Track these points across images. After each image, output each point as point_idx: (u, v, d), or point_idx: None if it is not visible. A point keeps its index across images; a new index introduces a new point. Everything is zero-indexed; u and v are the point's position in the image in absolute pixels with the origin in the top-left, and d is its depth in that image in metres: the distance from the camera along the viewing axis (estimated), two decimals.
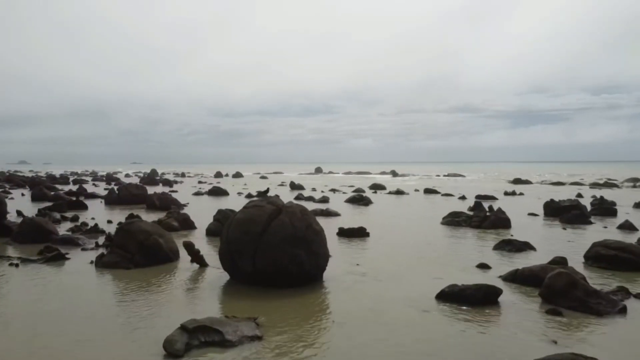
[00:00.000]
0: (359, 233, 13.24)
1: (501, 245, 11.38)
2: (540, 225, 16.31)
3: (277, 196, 10.11)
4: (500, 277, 8.69)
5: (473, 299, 6.96)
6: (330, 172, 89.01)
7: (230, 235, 7.98)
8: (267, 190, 9.94)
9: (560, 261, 9.15)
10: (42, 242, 11.87)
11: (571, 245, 12.22)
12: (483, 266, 9.51)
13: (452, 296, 7.12)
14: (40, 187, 27.20)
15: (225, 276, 8.57)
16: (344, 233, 13.33)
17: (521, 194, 30.29)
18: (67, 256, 10.37)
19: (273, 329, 6.04)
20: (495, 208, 19.89)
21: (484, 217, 15.15)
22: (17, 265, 9.59)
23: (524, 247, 11.24)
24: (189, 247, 9.29)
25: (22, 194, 29.09)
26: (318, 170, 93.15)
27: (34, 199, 25.61)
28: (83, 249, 11.31)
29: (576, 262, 9.73)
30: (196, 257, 9.36)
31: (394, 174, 72.60)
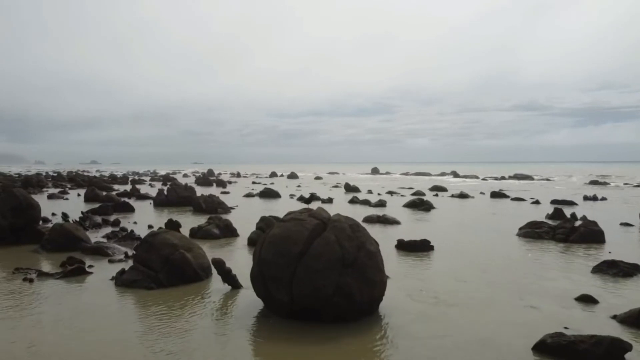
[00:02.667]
0: (422, 247, 11.34)
1: (602, 268, 9.13)
2: None
3: (323, 205, 8.42)
4: (614, 317, 6.58)
5: (590, 356, 4.98)
6: (387, 173, 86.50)
7: (263, 256, 6.40)
8: (311, 198, 8.27)
9: None
10: (71, 250, 10.94)
11: None
12: (586, 299, 7.37)
13: (557, 350, 5.17)
14: (92, 187, 27.06)
15: (260, 302, 7.01)
16: (404, 246, 11.48)
17: (604, 198, 26.96)
18: (89, 270, 9.24)
19: None
20: (578, 216, 17.38)
21: (571, 229, 12.77)
22: (31, 280, 8.50)
23: (633, 270, 8.95)
24: (219, 266, 7.81)
25: (78, 194, 29.18)
26: (375, 171, 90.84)
27: (87, 199, 25.47)
28: (110, 261, 10.16)
29: None
30: (227, 277, 7.88)
31: (455, 174, 69.09)
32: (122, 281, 8.14)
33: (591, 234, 12.49)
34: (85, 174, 70.36)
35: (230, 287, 7.98)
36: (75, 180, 43.54)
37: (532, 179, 58.67)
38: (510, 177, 59.93)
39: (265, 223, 12.43)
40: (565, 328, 6.04)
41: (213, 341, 5.79)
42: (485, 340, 5.74)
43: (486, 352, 5.39)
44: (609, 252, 11.16)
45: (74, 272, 8.88)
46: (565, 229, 12.83)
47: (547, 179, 57.48)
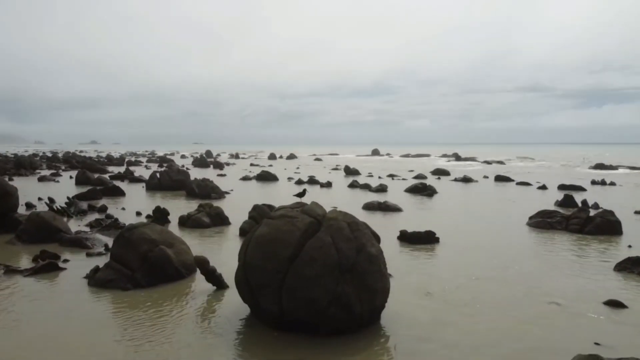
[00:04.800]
0: (427, 239, 10.51)
1: (626, 265, 8.30)
2: None
3: (321, 190, 7.57)
4: None
5: None
6: (387, 155, 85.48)
7: (249, 260, 5.56)
8: (304, 192, 7.41)
9: None
10: (48, 241, 10.15)
11: None
12: (614, 304, 6.56)
13: None
14: (84, 170, 26.19)
15: (247, 307, 6.21)
16: (407, 238, 10.65)
17: (612, 183, 26.07)
18: (63, 265, 8.42)
19: None
20: (589, 202, 16.54)
21: (586, 219, 11.93)
22: None
23: None
24: (202, 265, 6.98)
25: (70, 177, 28.32)
26: (375, 152, 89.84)
27: (78, 182, 24.65)
28: (88, 254, 9.34)
29: None
30: (212, 276, 7.06)
31: (457, 157, 68.07)
32: (95, 280, 7.33)
33: (607, 225, 11.65)
34: (83, 155, 69.42)
35: (215, 287, 7.17)
36: (70, 161, 42.63)
37: (536, 161, 57.68)
38: (513, 160, 58.88)
39: (258, 212, 11.59)
40: (597, 344, 5.25)
41: (187, 357, 4.98)
42: (505, 354, 4.94)
43: None
44: (629, 247, 10.33)
45: (46, 268, 8.07)
46: (579, 219, 11.98)
47: (551, 162, 56.53)
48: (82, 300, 6.78)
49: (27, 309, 6.35)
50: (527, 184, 25.89)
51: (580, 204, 16.27)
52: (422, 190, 21.20)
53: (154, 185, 22.14)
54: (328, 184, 24.79)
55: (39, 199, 17.32)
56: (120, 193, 19.57)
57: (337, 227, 5.45)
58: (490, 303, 6.66)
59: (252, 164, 48.13)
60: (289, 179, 29.14)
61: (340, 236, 5.39)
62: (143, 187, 23.34)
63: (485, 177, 31.03)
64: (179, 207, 16.10)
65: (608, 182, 26.16)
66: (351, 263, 5.29)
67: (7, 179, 26.36)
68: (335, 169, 40.89)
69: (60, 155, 61.90)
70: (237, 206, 15.49)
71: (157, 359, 4.95)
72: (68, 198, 16.06)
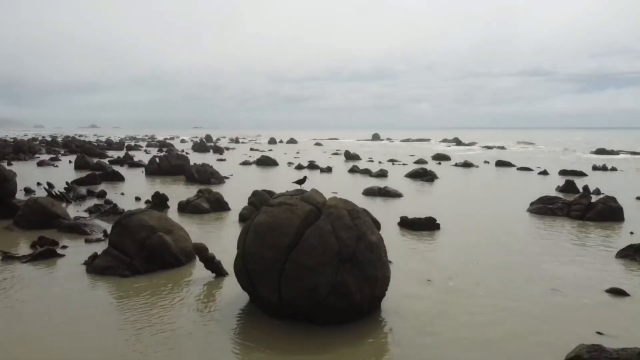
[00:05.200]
0: (427, 225, 10.45)
1: (628, 253, 8.25)
2: None
3: (322, 175, 7.47)
4: None
5: None
6: (388, 139, 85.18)
7: (247, 249, 5.50)
8: (304, 180, 7.32)
9: None
10: (47, 227, 10.10)
11: None
12: (616, 292, 6.51)
13: None
14: (82, 155, 26.07)
15: (246, 295, 6.16)
16: (407, 224, 10.59)
17: (614, 168, 25.96)
18: (61, 252, 8.37)
19: None
20: (590, 188, 16.46)
21: (588, 205, 11.85)
22: None
23: None
24: (201, 252, 6.92)
25: (70, 161, 28.22)
26: (375, 137, 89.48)
27: (77, 167, 24.59)
28: (87, 240, 9.29)
29: None
30: (210, 264, 7.00)
31: (458, 142, 67.81)
32: (94, 267, 7.28)
33: (609, 211, 11.58)
34: (82, 139, 69.18)
35: (214, 274, 7.13)
36: (69, 146, 42.47)
37: (536, 145, 57.49)
38: (514, 145, 58.69)
39: (258, 198, 11.52)
40: (599, 333, 5.20)
41: (187, 344, 4.94)
42: (505, 347, 4.89)
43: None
44: (631, 233, 10.28)
45: (44, 254, 8.02)
46: (581, 205, 11.91)
47: (552, 147, 56.33)
48: (81, 287, 6.74)
49: (25, 296, 6.32)
50: (528, 169, 25.80)
51: (581, 190, 16.20)
52: (422, 175, 21.11)
53: (153, 170, 22.05)
54: (328, 169, 24.70)
55: (38, 184, 17.25)
56: (119, 178, 19.49)
57: (337, 215, 5.37)
58: (491, 291, 6.61)
59: (252, 149, 47.96)
60: (289, 163, 29.04)
61: (340, 224, 5.31)
62: (142, 172, 23.25)
63: (486, 162, 30.92)
64: (178, 192, 16.04)
65: (609, 167, 26.05)
66: (351, 252, 5.23)
67: (6, 163, 26.33)
68: (336, 153, 40.76)
69: (59, 139, 61.66)
70: (237, 191, 15.43)
71: (156, 345, 4.93)
72: (67, 183, 15.99)
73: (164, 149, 43.22)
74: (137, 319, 5.60)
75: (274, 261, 5.22)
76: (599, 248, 9.11)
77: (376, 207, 12.90)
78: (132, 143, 59.34)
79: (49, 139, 64.66)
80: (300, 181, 7.42)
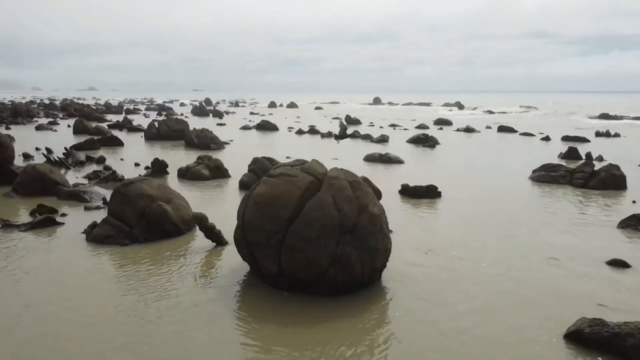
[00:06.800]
0: (428, 193, 10.38)
1: (630, 223, 8.20)
2: None
3: (322, 140, 7.33)
4: None
5: (636, 352, 4.13)
6: (389, 103, 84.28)
7: (247, 220, 5.43)
8: (345, 133, 7.19)
9: None
10: (45, 194, 10.04)
11: None
12: (617, 264, 6.49)
13: (595, 342, 4.31)
14: (81, 119, 25.81)
15: (247, 265, 6.15)
16: (408, 192, 10.52)
17: (617, 134, 25.70)
18: (61, 219, 8.34)
19: None
20: (593, 155, 16.32)
21: (591, 173, 11.75)
22: None
23: None
24: (200, 222, 6.88)
25: (68, 125, 27.97)
26: (377, 101, 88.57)
27: (75, 132, 24.40)
28: (86, 208, 9.25)
29: None
30: (211, 233, 6.97)
31: (460, 106, 67.10)
32: (93, 236, 7.25)
33: (612, 179, 11.48)
34: (81, 102, 68.50)
35: (214, 243, 7.10)
36: (68, 109, 42.04)
37: (539, 110, 56.89)
38: (516, 109, 58.06)
39: (258, 166, 11.41)
40: (600, 305, 5.20)
41: (187, 314, 4.95)
42: (507, 319, 4.89)
43: (508, 336, 4.55)
44: (633, 202, 10.22)
45: (43, 223, 7.98)
46: (584, 173, 11.81)
47: (555, 111, 55.77)
48: (81, 256, 6.73)
49: (26, 266, 6.31)
50: (530, 134, 25.57)
51: (584, 157, 16.08)
52: (424, 141, 20.93)
53: (152, 135, 21.87)
54: (329, 134, 24.50)
55: (37, 149, 17.14)
56: (118, 143, 19.34)
57: (338, 187, 5.28)
58: (492, 260, 6.60)
59: (252, 113, 47.51)
60: (289, 128, 28.77)
61: (341, 196, 5.23)
62: (141, 136, 23.08)
63: (488, 127, 30.63)
64: (177, 158, 15.94)
65: (612, 133, 25.80)
66: (352, 224, 5.16)
67: (4, 127, 26.13)
68: (336, 118, 40.35)
69: (57, 102, 61.05)
70: (237, 157, 15.32)
71: (157, 312, 4.96)
72: (66, 149, 15.85)
73: (163, 113, 42.83)
74: (139, 286, 5.62)
75: (274, 233, 5.16)
76: (601, 218, 9.06)
77: (377, 175, 12.82)
78: (131, 106, 58.73)
79: (47, 102, 64.07)
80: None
